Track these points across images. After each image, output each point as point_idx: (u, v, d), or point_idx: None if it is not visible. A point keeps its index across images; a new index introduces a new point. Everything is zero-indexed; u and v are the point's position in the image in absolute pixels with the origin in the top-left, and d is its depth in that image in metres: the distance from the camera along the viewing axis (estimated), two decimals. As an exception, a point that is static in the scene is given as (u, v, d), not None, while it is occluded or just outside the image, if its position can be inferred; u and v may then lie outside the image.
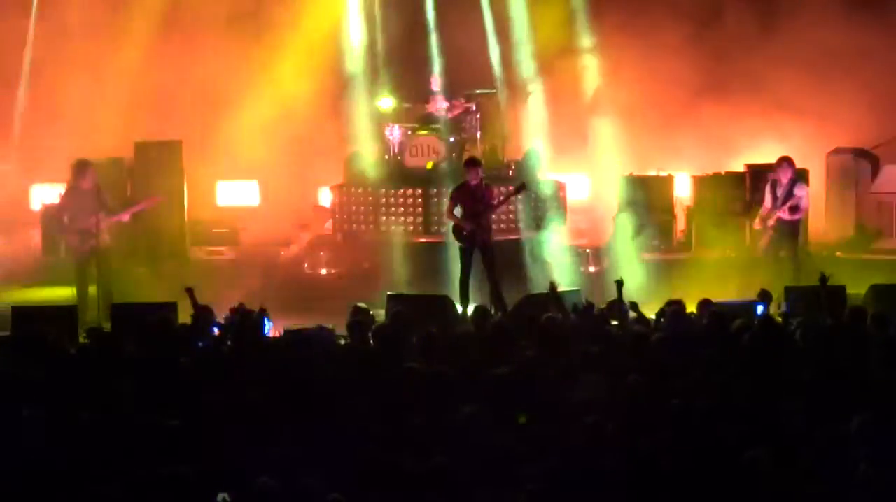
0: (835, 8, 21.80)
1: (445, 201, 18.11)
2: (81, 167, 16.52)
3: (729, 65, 22.38)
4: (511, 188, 18.15)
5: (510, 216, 19.92)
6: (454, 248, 17.13)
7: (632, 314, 12.87)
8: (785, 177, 17.24)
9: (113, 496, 8.14)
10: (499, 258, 16.86)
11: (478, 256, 16.62)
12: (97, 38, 21.19)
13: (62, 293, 16.89)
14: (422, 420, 9.43)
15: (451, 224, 17.03)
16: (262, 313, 12.47)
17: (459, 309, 15.87)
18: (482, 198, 16.81)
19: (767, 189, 17.44)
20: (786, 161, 17.36)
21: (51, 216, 18.71)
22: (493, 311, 15.11)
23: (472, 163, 17.55)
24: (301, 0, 21.82)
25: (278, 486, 8.11)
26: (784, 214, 17.11)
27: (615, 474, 8.49)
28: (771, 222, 17.19)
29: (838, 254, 20.55)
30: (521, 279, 17.54)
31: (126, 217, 16.70)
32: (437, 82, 21.01)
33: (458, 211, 16.86)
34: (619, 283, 13.20)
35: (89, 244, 16.29)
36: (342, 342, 12.11)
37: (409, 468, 8.50)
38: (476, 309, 13.73)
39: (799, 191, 17.21)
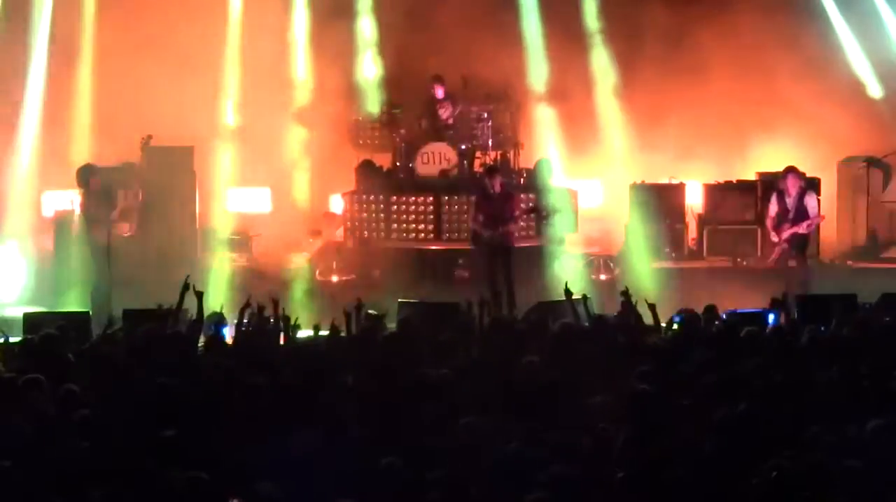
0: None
1: (456, 209, 18.10)
2: (88, 172, 16.56)
3: (741, 73, 22.34)
4: (529, 206, 18.61)
5: (523, 224, 19.86)
6: (466, 256, 17.08)
7: (647, 317, 12.80)
8: (793, 187, 17.02)
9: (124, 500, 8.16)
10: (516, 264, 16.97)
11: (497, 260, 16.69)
12: (106, 42, 21.20)
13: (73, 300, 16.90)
14: (430, 427, 9.43)
15: (470, 231, 17.11)
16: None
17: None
18: (502, 207, 16.82)
19: (774, 199, 17.19)
20: (792, 171, 17.11)
21: (67, 221, 18.80)
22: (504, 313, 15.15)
23: (490, 171, 17.58)
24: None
25: (287, 492, 8.11)
26: (801, 229, 16.95)
27: (625, 481, 8.48)
28: (786, 235, 17.01)
29: (849, 262, 20.55)
30: (535, 286, 17.50)
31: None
32: (441, 90, 20.98)
33: (480, 218, 16.95)
34: (626, 294, 13.07)
35: (106, 238, 16.36)
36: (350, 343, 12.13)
37: (415, 474, 8.50)
38: (493, 319, 13.71)
39: (810, 202, 17.07)
